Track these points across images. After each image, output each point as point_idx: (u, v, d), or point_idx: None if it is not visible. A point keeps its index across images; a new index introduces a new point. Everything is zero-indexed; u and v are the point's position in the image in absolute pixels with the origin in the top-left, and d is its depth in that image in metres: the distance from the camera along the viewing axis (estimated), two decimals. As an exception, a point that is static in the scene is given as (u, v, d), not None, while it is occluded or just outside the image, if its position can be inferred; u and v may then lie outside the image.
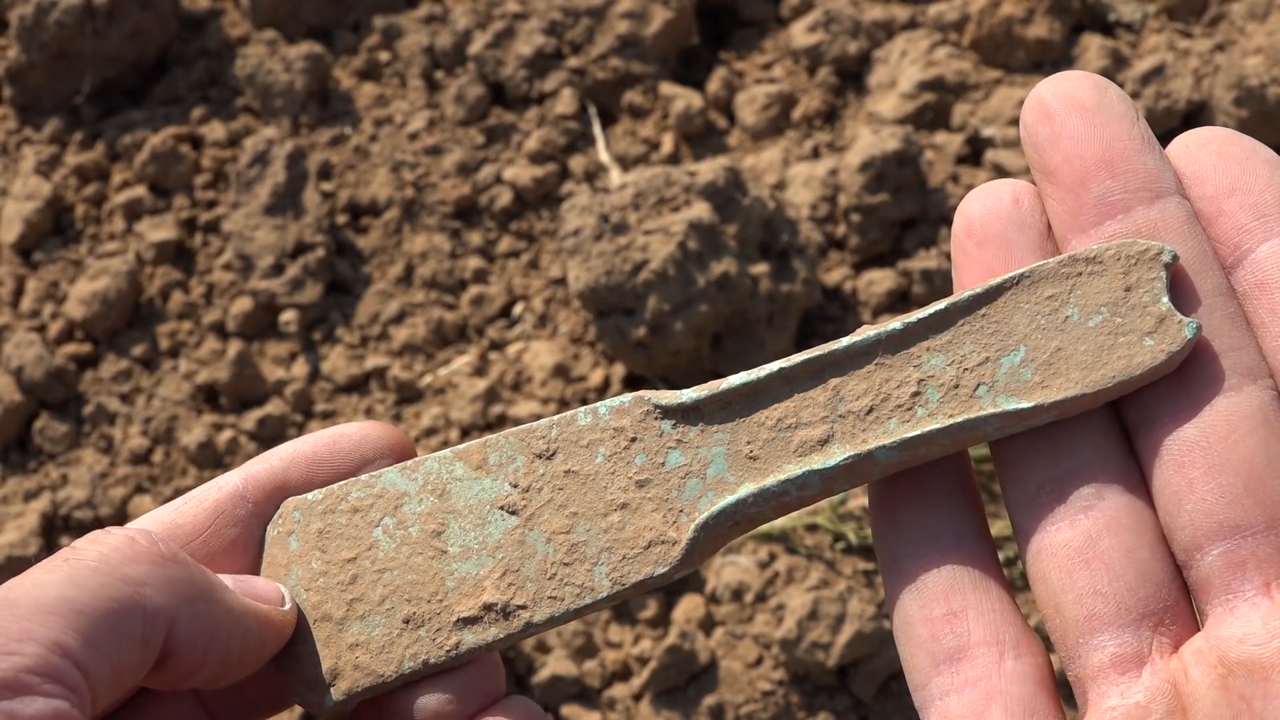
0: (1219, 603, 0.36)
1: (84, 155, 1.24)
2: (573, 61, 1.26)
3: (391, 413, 1.14)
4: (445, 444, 1.11)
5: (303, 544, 0.40)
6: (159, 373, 1.17)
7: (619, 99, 1.25)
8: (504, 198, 1.21)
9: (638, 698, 1.03)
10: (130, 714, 0.39)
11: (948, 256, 1.15)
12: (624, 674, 1.04)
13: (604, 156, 1.23)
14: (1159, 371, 0.37)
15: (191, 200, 1.22)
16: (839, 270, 1.17)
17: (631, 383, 1.13)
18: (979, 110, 1.22)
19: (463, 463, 0.41)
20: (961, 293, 0.39)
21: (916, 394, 0.39)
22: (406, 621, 0.40)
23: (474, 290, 1.18)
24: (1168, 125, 1.17)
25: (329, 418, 1.14)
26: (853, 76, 1.26)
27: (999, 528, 1.02)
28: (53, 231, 1.22)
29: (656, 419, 0.40)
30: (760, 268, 1.11)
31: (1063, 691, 0.39)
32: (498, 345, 1.17)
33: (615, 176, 1.21)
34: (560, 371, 1.14)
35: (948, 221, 1.17)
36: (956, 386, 0.38)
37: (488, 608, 0.39)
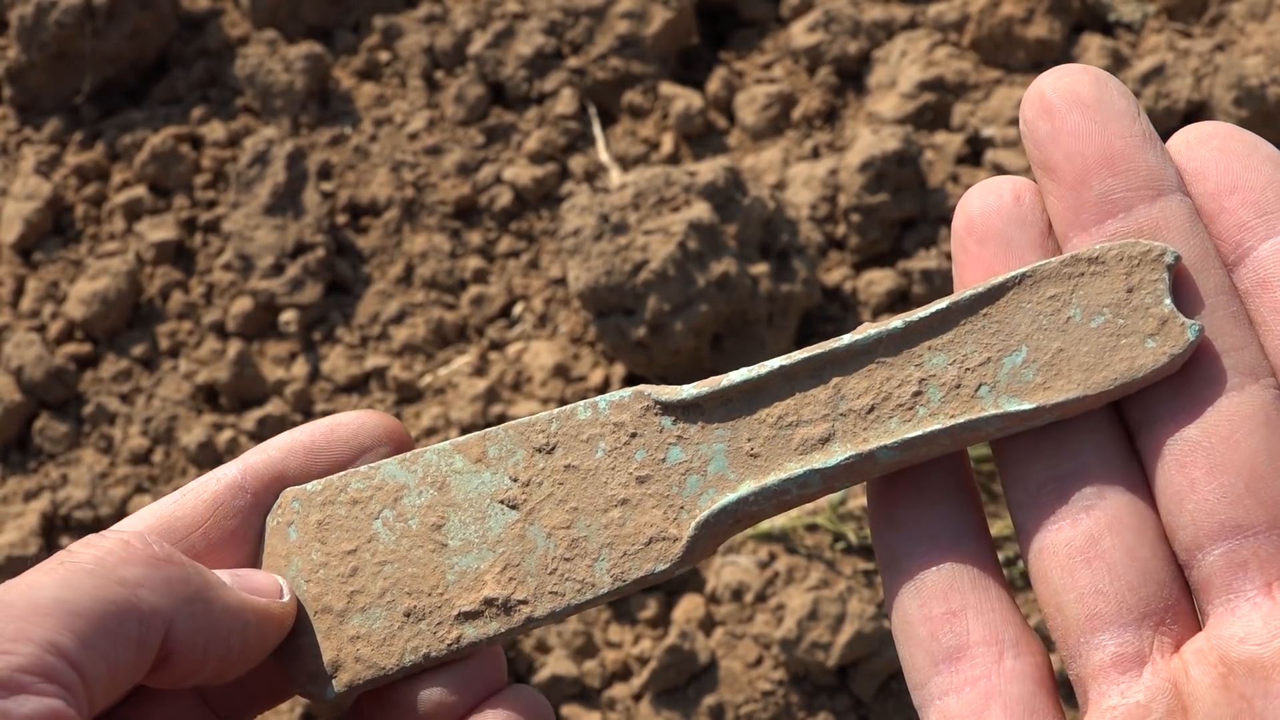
0: (1220, 602, 0.36)
1: (84, 155, 1.24)
2: (573, 61, 1.26)
3: (392, 413, 1.14)
4: (445, 444, 1.11)
5: (302, 535, 0.40)
6: (159, 373, 1.17)
7: (619, 99, 1.25)
8: (504, 198, 1.21)
9: (638, 698, 1.03)
10: (130, 710, 0.39)
11: (948, 256, 1.15)
12: (624, 674, 1.04)
13: (604, 156, 1.23)
14: (1161, 373, 0.37)
15: (191, 200, 1.22)
16: (839, 270, 1.17)
17: (631, 383, 1.13)
18: (979, 110, 1.22)
19: (462, 455, 0.41)
20: (963, 291, 0.39)
21: (918, 393, 0.39)
22: (407, 615, 0.40)
23: (474, 290, 1.18)
24: (1168, 125, 1.17)
25: (329, 418, 1.14)
26: (853, 76, 1.26)
27: (998, 528, 1.02)
28: (53, 231, 1.22)
29: (657, 414, 0.40)
30: (760, 268, 1.11)
31: (1062, 691, 0.39)
32: (498, 345, 1.17)
33: (615, 176, 1.21)
34: (560, 371, 1.14)
35: (948, 221, 1.17)
36: (958, 386, 0.38)
37: (489, 602, 0.39)
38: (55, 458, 1.14)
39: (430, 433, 1.12)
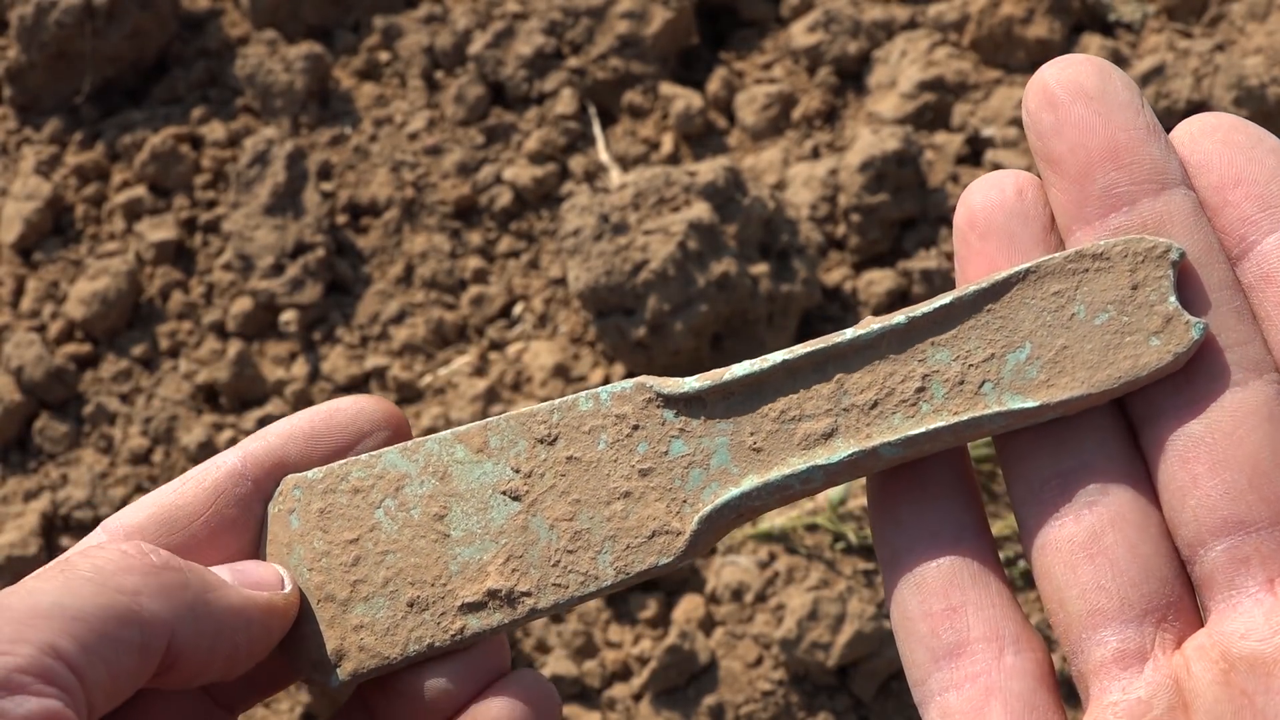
0: (1222, 598, 0.36)
1: (84, 155, 1.24)
2: (573, 61, 1.26)
3: (391, 412, 1.14)
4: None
5: (304, 523, 0.40)
6: (159, 373, 1.17)
7: (619, 99, 1.25)
8: (504, 198, 1.21)
9: (638, 698, 1.03)
10: (130, 703, 0.39)
11: (948, 256, 1.15)
12: (624, 674, 1.04)
13: (604, 156, 1.23)
14: (1165, 372, 0.37)
15: (191, 200, 1.22)
16: (839, 270, 1.17)
17: (631, 383, 1.13)
18: (979, 110, 1.22)
19: (464, 445, 0.40)
20: (966, 287, 0.39)
21: (921, 389, 0.39)
22: (410, 605, 0.40)
23: (474, 290, 1.18)
24: (1168, 125, 1.17)
25: (329, 417, 1.14)
26: (853, 76, 1.26)
27: (998, 528, 1.02)
28: (53, 231, 1.22)
29: (659, 407, 0.40)
30: (760, 268, 1.11)
31: (1063, 688, 0.39)
32: (498, 345, 1.17)
33: (615, 176, 1.21)
34: (560, 371, 1.14)
35: (948, 221, 1.17)
36: (961, 383, 0.38)
37: (492, 594, 0.39)
38: (55, 458, 1.14)
39: (430, 432, 1.12)
